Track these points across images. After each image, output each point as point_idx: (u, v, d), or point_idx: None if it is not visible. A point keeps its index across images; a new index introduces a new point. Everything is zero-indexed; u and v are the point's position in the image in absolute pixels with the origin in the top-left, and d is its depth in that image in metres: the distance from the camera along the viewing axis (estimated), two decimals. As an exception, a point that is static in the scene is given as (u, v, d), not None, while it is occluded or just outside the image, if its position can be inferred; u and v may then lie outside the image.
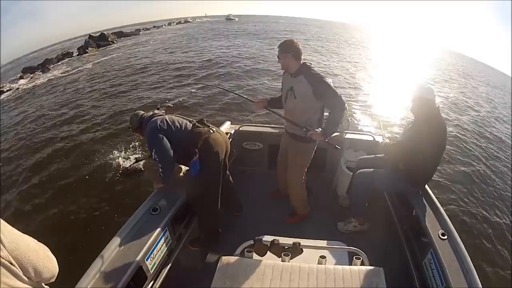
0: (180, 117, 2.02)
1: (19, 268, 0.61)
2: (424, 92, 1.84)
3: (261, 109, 2.28)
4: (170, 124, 1.88)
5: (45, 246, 0.72)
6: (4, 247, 0.59)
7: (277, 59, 1.99)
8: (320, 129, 1.96)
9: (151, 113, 2.00)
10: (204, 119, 2.04)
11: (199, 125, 1.96)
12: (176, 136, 1.86)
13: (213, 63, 13.27)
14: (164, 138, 1.81)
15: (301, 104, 1.97)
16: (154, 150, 1.81)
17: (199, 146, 1.86)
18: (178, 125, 1.91)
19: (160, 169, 1.83)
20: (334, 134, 2.60)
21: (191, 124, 1.96)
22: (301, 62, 1.95)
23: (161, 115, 1.95)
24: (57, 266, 0.73)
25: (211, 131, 1.93)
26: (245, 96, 2.70)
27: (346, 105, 1.95)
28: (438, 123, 1.83)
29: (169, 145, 1.82)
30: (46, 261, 0.69)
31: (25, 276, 0.63)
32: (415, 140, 1.84)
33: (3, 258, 0.58)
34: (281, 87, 2.17)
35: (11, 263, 0.59)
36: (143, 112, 2.04)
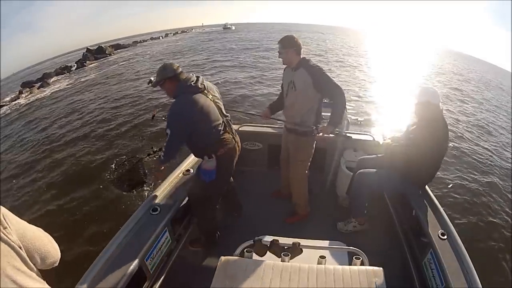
0: (217, 109, 1.75)
1: (25, 254, 0.63)
2: (429, 96, 1.82)
3: (267, 119, 2.38)
4: (205, 117, 1.66)
5: (47, 234, 0.75)
6: (13, 232, 0.61)
7: (278, 54, 2.04)
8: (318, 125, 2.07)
9: (193, 79, 1.68)
10: (230, 120, 1.90)
11: (227, 130, 1.82)
12: (203, 133, 1.70)
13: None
14: (187, 132, 1.64)
15: (301, 96, 2.04)
16: (170, 132, 1.62)
17: (218, 154, 1.76)
18: (212, 123, 1.70)
19: (163, 154, 1.72)
20: (334, 134, 2.67)
21: (222, 125, 1.78)
22: (301, 57, 2.03)
23: (199, 94, 1.65)
24: (59, 252, 0.77)
25: (234, 140, 1.84)
26: (252, 112, 2.86)
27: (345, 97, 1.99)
28: (441, 127, 1.82)
29: (185, 141, 1.70)
30: (50, 247, 0.73)
31: (31, 262, 0.65)
32: (418, 143, 1.83)
33: (13, 242, 0.60)
34: (281, 84, 2.24)
35: (20, 248, 0.62)
36: (181, 69, 1.71)
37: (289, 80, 2.06)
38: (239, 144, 1.95)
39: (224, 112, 1.84)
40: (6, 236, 0.59)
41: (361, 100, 9.01)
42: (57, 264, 0.75)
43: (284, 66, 2.15)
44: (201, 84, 1.70)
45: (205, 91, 1.71)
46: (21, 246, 0.62)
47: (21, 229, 0.64)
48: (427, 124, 1.82)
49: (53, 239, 0.76)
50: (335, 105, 1.99)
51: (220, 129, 1.76)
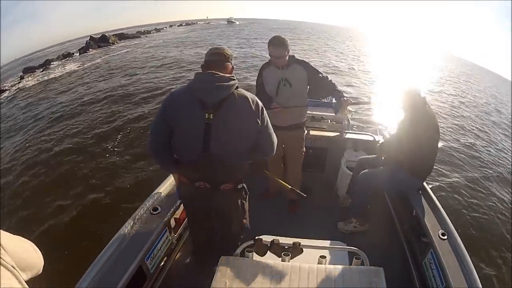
0: (205, 136, 1.24)
1: (19, 272, 0.61)
2: (408, 86, 1.96)
3: (280, 108, 2.11)
4: (178, 128, 1.28)
5: (31, 242, 0.73)
6: (6, 251, 0.59)
7: (276, 58, 1.99)
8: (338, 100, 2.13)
9: (202, 82, 1.25)
10: (220, 164, 1.29)
11: (202, 169, 1.32)
12: (174, 142, 1.34)
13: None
14: (163, 126, 1.29)
15: (297, 90, 2.10)
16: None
17: (180, 180, 1.44)
18: (183, 142, 1.32)
19: None
20: (335, 134, 2.80)
21: (198, 158, 1.27)
22: None
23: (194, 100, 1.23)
24: (43, 260, 0.74)
25: (205, 186, 1.35)
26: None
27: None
28: (427, 111, 1.91)
29: (160, 137, 1.33)
30: (36, 258, 0.71)
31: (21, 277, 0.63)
32: (409, 129, 1.88)
33: (7, 263, 0.58)
34: (256, 84, 2.20)
35: (14, 267, 0.59)
36: (216, 57, 1.31)
37: (280, 78, 2.06)
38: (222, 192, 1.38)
39: (216, 149, 1.25)
40: (2, 258, 0.56)
41: (361, 101, 9.00)
42: (40, 272, 0.73)
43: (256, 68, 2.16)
44: (204, 90, 1.23)
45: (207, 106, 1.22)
46: (14, 265, 0.60)
47: (12, 246, 0.62)
48: (414, 112, 1.90)
49: (36, 248, 0.73)
50: (332, 86, 2.10)
51: (192, 157, 1.30)
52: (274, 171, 2.53)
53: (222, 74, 1.25)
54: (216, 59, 1.30)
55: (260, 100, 2.02)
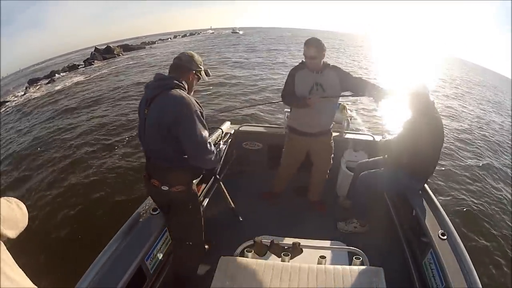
0: (143, 131, 1.40)
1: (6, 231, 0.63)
2: (417, 87, 1.91)
3: (316, 101, 1.99)
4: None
5: (16, 199, 0.74)
6: None
7: (310, 58, 1.94)
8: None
9: (153, 84, 1.36)
10: (156, 161, 1.42)
11: (147, 162, 1.46)
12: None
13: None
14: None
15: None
16: None
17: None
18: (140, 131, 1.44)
19: None
20: (334, 134, 2.70)
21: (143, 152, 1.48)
22: None
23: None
24: (27, 213, 0.75)
25: (148, 180, 1.45)
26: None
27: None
28: (434, 116, 1.89)
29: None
30: (21, 215, 0.72)
31: (8, 234, 0.64)
32: (415, 132, 1.87)
33: None
34: (286, 83, 2.11)
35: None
36: (174, 61, 1.41)
37: (313, 83, 2.01)
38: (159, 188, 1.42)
39: (147, 144, 1.41)
40: None
41: (361, 102, 9.00)
42: (26, 225, 0.74)
43: (287, 70, 2.14)
44: (149, 88, 1.37)
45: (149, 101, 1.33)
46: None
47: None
48: (421, 115, 1.87)
49: (20, 202, 0.74)
50: (367, 82, 2.04)
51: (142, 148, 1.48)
52: (286, 172, 2.49)
53: (165, 75, 1.38)
54: (173, 63, 1.41)
55: (290, 99, 2.10)
